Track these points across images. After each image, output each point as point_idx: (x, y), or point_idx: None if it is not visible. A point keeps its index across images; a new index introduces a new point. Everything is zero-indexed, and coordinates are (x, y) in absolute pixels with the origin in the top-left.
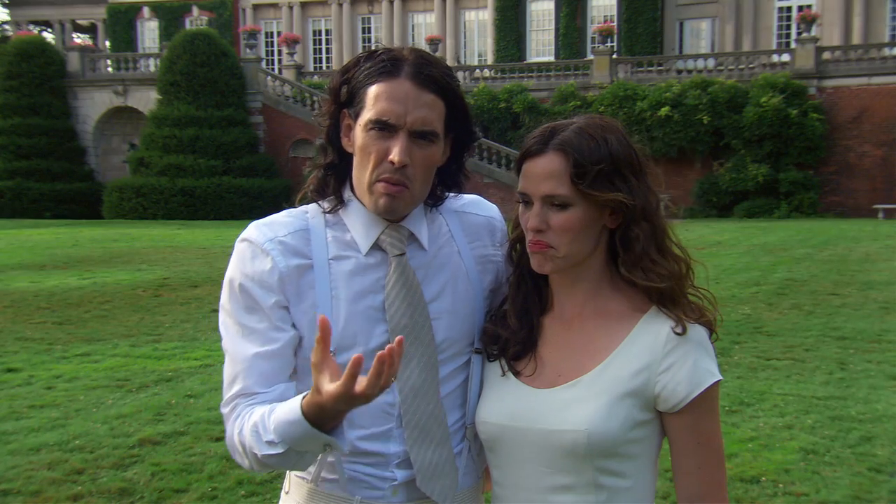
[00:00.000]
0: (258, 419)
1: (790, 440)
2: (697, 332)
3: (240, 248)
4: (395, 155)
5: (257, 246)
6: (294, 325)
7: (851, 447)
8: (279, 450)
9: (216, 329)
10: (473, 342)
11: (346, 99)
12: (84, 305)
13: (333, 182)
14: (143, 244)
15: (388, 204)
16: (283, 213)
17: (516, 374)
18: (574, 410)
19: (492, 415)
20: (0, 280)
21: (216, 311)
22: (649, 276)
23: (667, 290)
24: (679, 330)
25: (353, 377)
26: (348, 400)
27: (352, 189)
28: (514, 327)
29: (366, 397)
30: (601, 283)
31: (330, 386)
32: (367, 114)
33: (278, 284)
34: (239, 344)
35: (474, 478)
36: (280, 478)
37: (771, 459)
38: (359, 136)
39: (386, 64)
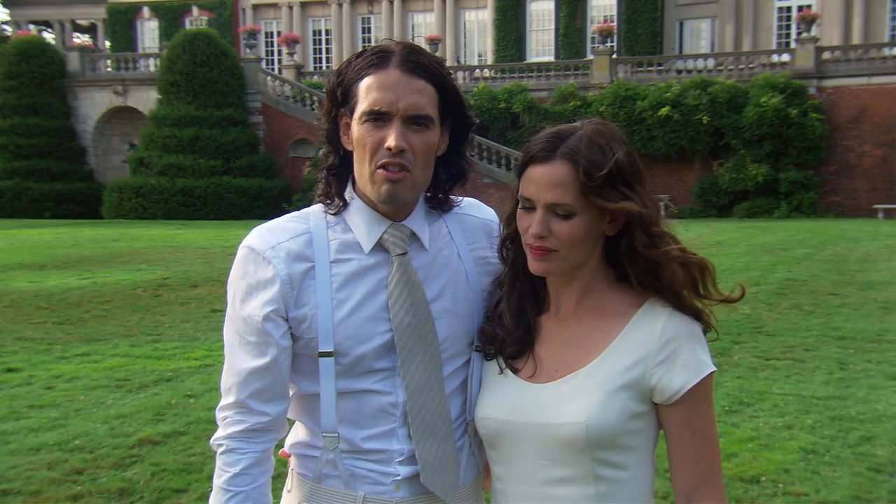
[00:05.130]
0: None
1: (790, 440)
2: (692, 325)
3: (241, 254)
4: (391, 141)
5: (259, 253)
6: (291, 334)
7: (851, 447)
8: None
9: (216, 329)
10: (473, 342)
11: (341, 99)
12: (84, 305)
13: (336, 183)
14: (143, 244)
15: (390, 190)
16: (287, 217)
17: (514, 371)
18: (572, 403)
19: (491, 411)
20: (0, 280)
21: (216, 310)
22: (663, 278)
23: (670, 290)
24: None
25: None
26: None
27: (353, 188)
28: (511, 327)
29: None
30: (596, 281)
31: None
32: (361, 106)
33: (278, 292)
34: (235, 354)
35: (474, 474)
36: (281, 478)
37: (771, 459)
38: (355, 130)
39: (374, 57)
